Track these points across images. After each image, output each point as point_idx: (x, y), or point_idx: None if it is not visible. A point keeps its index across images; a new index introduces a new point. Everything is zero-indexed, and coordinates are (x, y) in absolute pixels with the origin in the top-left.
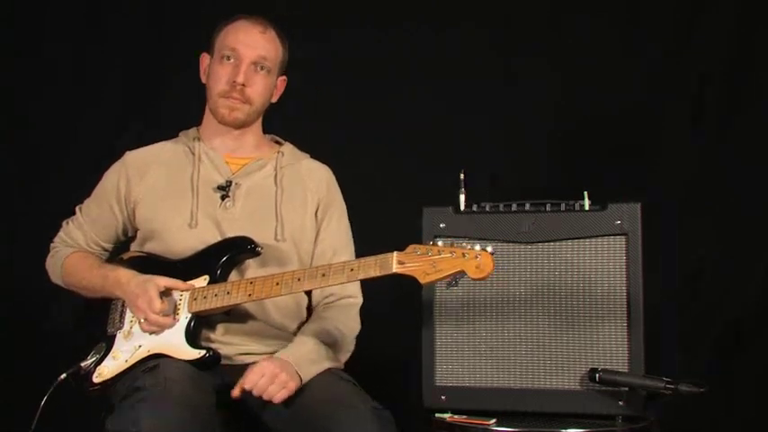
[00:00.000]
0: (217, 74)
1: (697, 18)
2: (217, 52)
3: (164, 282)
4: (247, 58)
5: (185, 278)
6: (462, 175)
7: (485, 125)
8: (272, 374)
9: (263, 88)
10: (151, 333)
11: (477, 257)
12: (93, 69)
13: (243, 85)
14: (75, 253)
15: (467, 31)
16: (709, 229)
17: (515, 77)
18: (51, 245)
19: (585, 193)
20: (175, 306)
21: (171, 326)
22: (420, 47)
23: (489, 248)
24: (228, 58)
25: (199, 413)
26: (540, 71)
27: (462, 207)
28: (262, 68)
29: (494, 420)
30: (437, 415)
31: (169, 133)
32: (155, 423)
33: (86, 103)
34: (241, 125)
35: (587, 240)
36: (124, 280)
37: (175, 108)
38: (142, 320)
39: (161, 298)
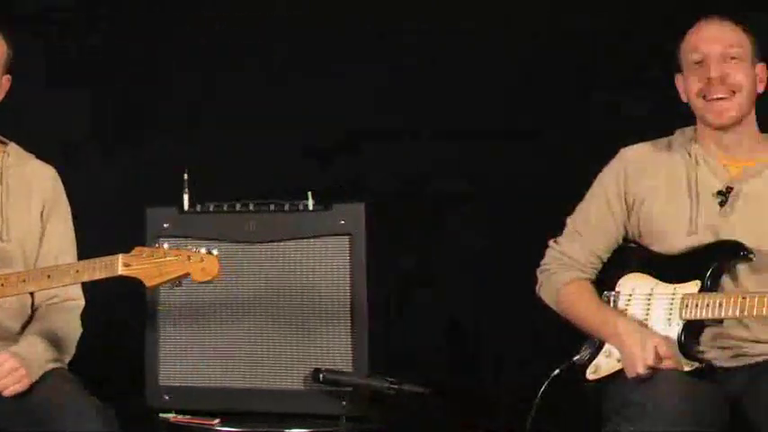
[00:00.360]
0: None
1: None
2: None
3: None
4: None
5: None
6: (186, 175)
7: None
8: (10, 367)
9: None
10: None
11: (202, 261)
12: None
13: None
14: None
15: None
16: None
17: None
18: None
19: (309, 192)
20: None
21: None
22: None
23: (215, 251)
24: None
25: None
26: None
27: (186, 207)
28: None
29: (217, 420)
30: (161, 414)
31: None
32: None
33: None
34: None
35: (311, 240)
36: None
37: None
38: None
39: None
